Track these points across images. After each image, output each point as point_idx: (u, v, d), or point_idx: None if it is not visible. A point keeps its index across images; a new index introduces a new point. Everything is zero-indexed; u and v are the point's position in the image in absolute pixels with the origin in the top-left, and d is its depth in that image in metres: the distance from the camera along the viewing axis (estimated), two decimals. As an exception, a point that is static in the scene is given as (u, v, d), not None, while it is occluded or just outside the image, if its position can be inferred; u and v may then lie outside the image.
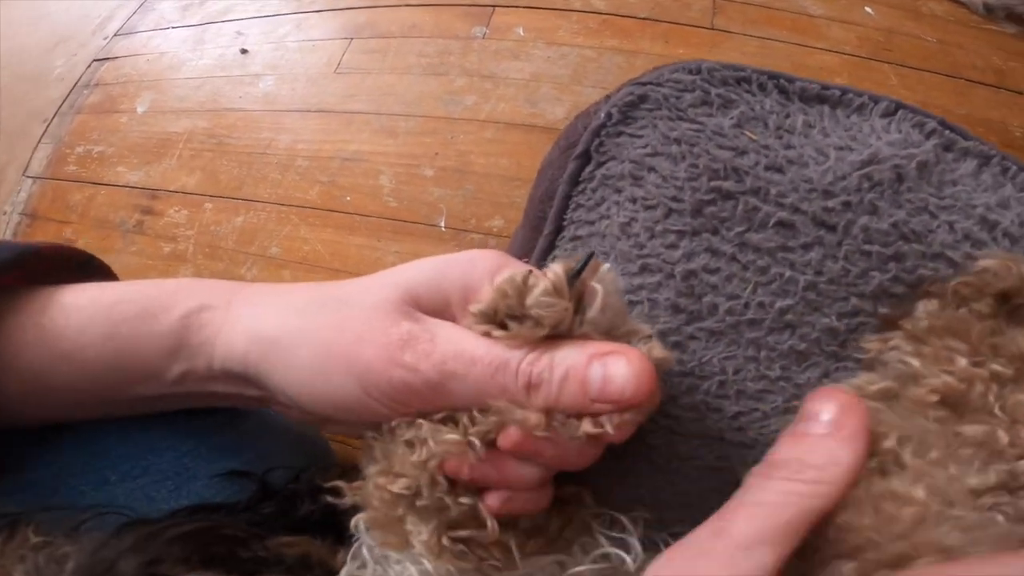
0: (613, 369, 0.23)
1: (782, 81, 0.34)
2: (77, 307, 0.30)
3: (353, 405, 0.25)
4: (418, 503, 0.25)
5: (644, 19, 0.98)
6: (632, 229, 0.33)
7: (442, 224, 0.84)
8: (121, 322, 0.29)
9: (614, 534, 0.29)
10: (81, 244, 1.01)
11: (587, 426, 0.24)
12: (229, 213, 0.93)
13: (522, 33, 0.97)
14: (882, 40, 0.99)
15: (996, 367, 0.23)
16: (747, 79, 0.34)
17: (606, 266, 0.26)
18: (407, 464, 0.25)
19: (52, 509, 0.29)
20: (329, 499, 0.27)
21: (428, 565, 0.26)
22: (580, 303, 0.25)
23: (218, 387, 0.30)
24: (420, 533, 0.25)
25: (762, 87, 0.34)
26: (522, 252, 0.38)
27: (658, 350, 0.25)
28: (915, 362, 0.25)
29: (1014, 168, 0.32)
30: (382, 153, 0.90)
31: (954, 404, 0.23)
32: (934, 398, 0.24)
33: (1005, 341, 0.24)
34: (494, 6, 1.00)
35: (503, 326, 0.25)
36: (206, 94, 1.04)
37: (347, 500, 0.27)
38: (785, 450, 0.22)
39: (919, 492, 0.20)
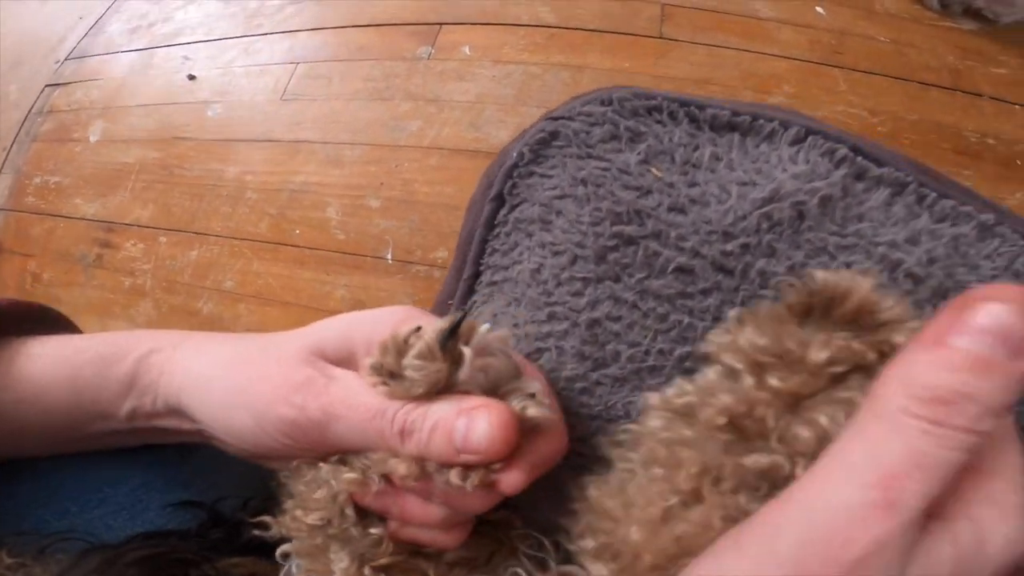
0: (475, 423, 0.24)
1: (693, 108, 0.33)
2: (42, 355, 0.33)
3: (250, 438, 0.28)
4: (329, 532, 0.27)
5: (592, 31, 0.97)
6: (541, 276, 0.33)
7: (389, 256, 0.84)
8: (83, 366, 0.32)
9: (537, 554, 0.30)
10: (45, 278, 1.02)
11: (453, 477, 0.25)
12: (183, 247, 0.94)
13: (468, 52, 0.96)
14: (833, 43, 0.97)
15: (775, 382, 0.21)
16: (658, 108, 0.33)
17: (484, 326, 0.26)
18: (318, 499, 0.27)
19: (24, 534, 0.32)
20: (256, 532, 0.30)
21: None
22: (457, 363, 0.26)
23: (162, 422, 0.32)
24: (341, 561, 0.27)
25: (673, 116, 0.33)
26: (449, 293, 0.38)
27: (533, 409, 0.26)
28: (712, 375, 0.23)
29: (932, 195, 0.30)
30: (329, 184, 0.90)
31: (740, 428, 0.22)
32: (721, 420, 0.22)
33: (796, 351, 0.21)
34: (441, 24, 0.99)
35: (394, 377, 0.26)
36: (156, 122, 1.03)
37: (273, 532, 0.29)
38: (949, 379, 0.17)
39: (716, 521, 0.20)
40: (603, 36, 0.96)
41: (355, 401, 0.26)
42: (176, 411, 0.31)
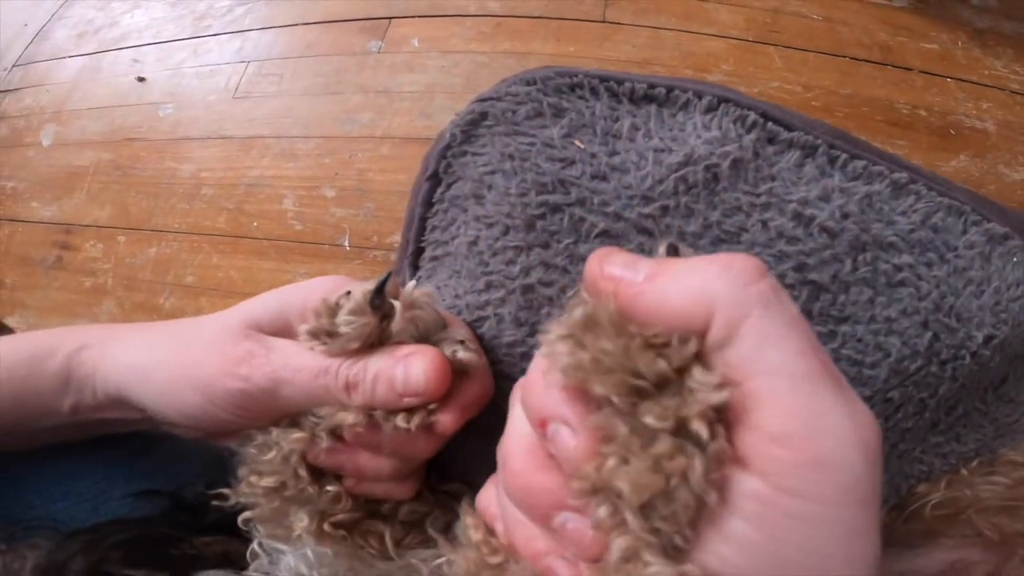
0: (412, 368, 0.27)
1: (612, 83, 0.34)
2: None
3: (202, 415, 0.30)
4: (286, 495, 0.29)
5: (538, 18, 0.99)
6: (477, 247, 0.34)
7: (346, 243, 0.86)
8: (16, 367, 0.33)
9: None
10: (8, 283, 1.02)
11: (399, 420, 0.27)
12: (142, 244, 0.95)
13: (417, 44, 0.97)
14: (769, 21, 1.01)
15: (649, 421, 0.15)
16: (580, 84, 0.35)
17: (410, 284, 0.29)
18: (270, 463, 0.29)
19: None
20: (216, 503, 0.31)
21: (309, 551, 0.29)
22: (388, 317, 0.28)
23: (107, 413, 0.33)
24: (301, 520, 0.29)
25: (594, 91, 0.34)
26: (399, 272, 0.40)
27: (462, 352, 0.28)
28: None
29: (843, 156, 0.32)
30: (284, 177, 0.92)
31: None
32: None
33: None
34: (390, 18, 1.00)
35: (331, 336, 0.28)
36: (107, 124, 1.03)
37: (231, 501, 0.30)
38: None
39: None
40: (548, 23, 0.99)
41: (298, 364, 0.28)
42: (119, 402, 0.32)
